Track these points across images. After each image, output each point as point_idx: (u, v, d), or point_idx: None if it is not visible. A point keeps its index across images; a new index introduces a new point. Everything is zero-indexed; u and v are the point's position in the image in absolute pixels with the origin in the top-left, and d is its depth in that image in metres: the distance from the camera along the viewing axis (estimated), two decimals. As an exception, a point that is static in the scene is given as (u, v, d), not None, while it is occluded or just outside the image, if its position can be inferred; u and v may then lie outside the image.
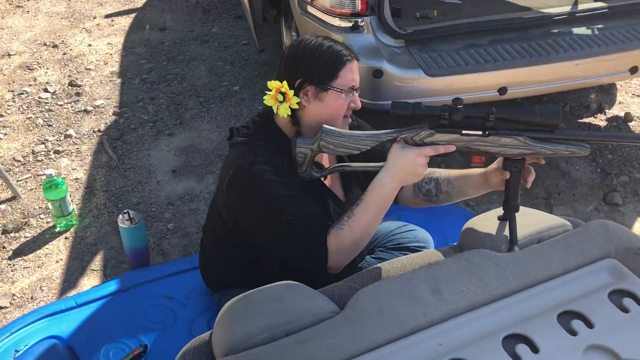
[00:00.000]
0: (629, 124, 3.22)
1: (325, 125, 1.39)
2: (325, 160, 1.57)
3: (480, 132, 1.31)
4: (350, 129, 1.53)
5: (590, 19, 2.54)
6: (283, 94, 1.41)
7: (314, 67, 1.41)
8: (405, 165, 1.31)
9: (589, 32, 2.50)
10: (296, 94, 1.42)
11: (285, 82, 1.42)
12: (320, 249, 1.37)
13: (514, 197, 1.40)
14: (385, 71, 2.27)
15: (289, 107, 1.42)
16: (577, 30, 2.49)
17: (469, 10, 2.62)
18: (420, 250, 1.86)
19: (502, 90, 2.35)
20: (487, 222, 1.54)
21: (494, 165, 1.47)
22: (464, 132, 1.31)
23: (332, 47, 1.42)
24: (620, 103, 3.41)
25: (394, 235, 1.88)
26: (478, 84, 2.34)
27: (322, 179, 1.52)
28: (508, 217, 1.44)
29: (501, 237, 1.47)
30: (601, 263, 1.40)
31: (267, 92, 1.44)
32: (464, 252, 1.39)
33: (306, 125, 1.46)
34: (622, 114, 3.29)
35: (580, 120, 3.27)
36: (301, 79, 1.42)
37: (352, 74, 1.41)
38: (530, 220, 1.53)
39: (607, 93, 3.47)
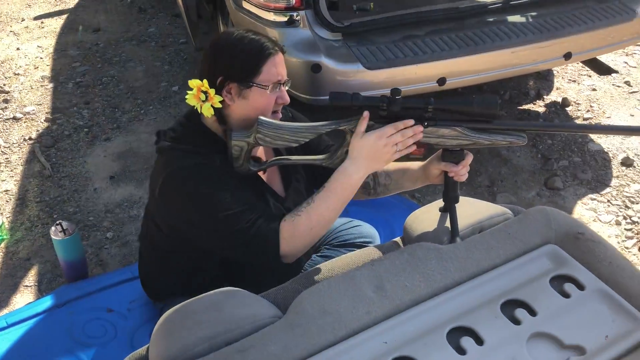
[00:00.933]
0: (566, 108, 3.31)
1: (262, 117, 1.35)
2: (262, 154, 1.53)
3: (418, 124, 1.31)
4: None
5: (524, 7, 2.59)
6: (205, 92, 1.37)
7: (235, 63, 1.36)
8: (369, 152, 1.29)
9: (523, 19, 2.54)
10: (219, 92, 1.37)
11: (205, 81, 1.37)
12: (270, 237, 1.33)
13: (453, 188, 1.41)
14: (323, 65, 2.25)
15: (212, 106, 1.38)
16: (511, 19, 2.53)
17: (406, 1, 2.63)
18: (366, 246, 1.84)
19: (441, 80, 2.37)
20: (428, 214, 1.54)
21: (433, 158, 1.46)
22: None
23: (253, 40, 1.38)
24: (557, 89, 3.50)
25: (339, 232, 1.86)
26: (417, 75, 2.35)
27: (260, 173, 1.48)
28: (448, 209, 1.44)
29: (443, 229, 1.47)
30: (542, 249, 1.42)
31: (188, 92, 1.38)
32: (406, 246, 1.38)
33: (234, 124, 1.42)
34: (559, 99, 3.37)
35: (520, 107, 3.34)
36: (222, 77, 1.37)
37: (276, 68, 1.37)
38: (471, 210, 1.54)
39: (544, 79, 3.55)
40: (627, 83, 3.54)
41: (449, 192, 1.41)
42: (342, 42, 2.35)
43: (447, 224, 1.44)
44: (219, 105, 1.39)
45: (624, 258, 1.70)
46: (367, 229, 1.87)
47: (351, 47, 2.33)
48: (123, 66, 3.78)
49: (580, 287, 1.32)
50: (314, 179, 1.59)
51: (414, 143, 1.36)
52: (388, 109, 1.29)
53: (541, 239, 1.44)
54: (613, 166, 2.80)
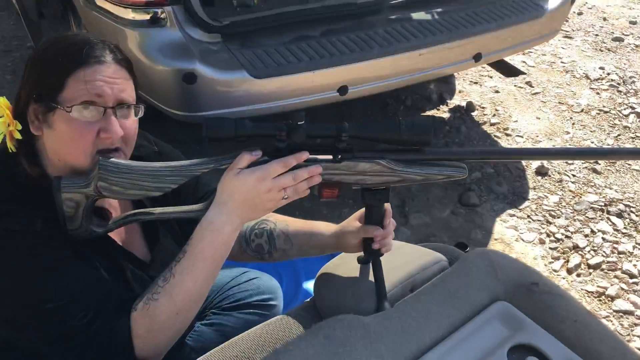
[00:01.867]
0: (472, 113, 3.18)
1: (103, 158, 0.99)
2: (114, 205, 1.14)
3: (330, 157, 1.01)
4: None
5: (429, 3, 2.37)
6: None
7: (38, 74, 1.02)
8: (246, 197, 0.97)
9: (429, 17, 2.32)
10: (21, 117, 1.02)
11: (3, 99, 1.02)
12: (119, 336, 0.97)
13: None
14: (199, 74, 1.87)
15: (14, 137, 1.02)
16: (416, 16, 2.31)
17: (296, -4, 2.30)
18: (266, 305, 1.52)
19: (342, 89, 2.08)
20: (345, 267, 1.26)
21: (350, 223, 1.18)
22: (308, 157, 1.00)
23: (65, 44, 1.01)
24: (460, 92, 3.38)
25: (230, 288, 1.52)
26: (315, 83, 2.04)
27: (112, 234, 1.09)
28: (372, 264, 1.14)
29: (366, 290, 1.19)
30: (491, 309, 1.19)
31: None
32: (321, 324, 1.07)
33: (51, 165, 1.04)
34: (463, 103, 3.25)
35: (424, 114, 3.16)
36: (26, 93, 1.02)
37: (88, 83, 1.00)
38: (399, 260, 1.27)
39: (445, 82, 3.42)
40: (529, 84, 3.49)
41: (369, 247, 1.14)
42: (221, 45, 1.98)
43: (370, 279, 1.17)
44: (19, 136, 1.00)
45: (589, 313, 1.47)
46: (266, 282, 1.55)
47: (233, 50, 1.97)
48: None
49: (543, 358, 1.08)
50: (187, 228, 1.21)
51: (325, 182, 1.03)
52: (288, 139, 0.96)
53: (488, 295, 1.20)
54: (528, 176, 2.69)
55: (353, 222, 1.16)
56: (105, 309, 0.97)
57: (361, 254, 1.19)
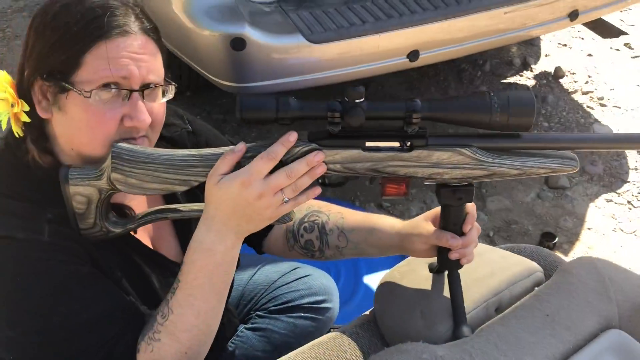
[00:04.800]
0: (560, 80, 2.86)
1: (119, 144, 0.84)
2: (139, 198, 0.98)
3: (397, 144, 0.82)
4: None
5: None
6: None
7: (47, 47, 0.84)
8: (235, 208, 0.80)
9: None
10: (27, 96, 0.86)
11: (4, 74, 0.86)
12: None
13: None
14: (249, 39, 1.68)
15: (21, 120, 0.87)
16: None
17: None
18: (319, 308, 1.36)
19: (414, 55, 1.85)
20: (413, 276, 1.09)
21: (419, 221, 0.98)
22: (368, 144, 0.81)
23: (83, 7, 0.84)
24: (546, 56, 3.06)
25: (278, 287, 1.37)
26: (381, 48, 1.83)
27: (133, 233, 0.94)
28: (448, 278, 0.93)
29: (440, 308, 0.98)
30: (602, 340, 0.97)
31: None
32: (381, 355, 0.88)
33: (63, 153, 0.90)
34: (551, 69, 2.93)
35: (504, 81, 2.86)
36: (30, 69, 0.85)
37: (109, 62, 0.83)
38: (481, 270, 1.06)
39: (530, 44, 3.10)
40: (628, 46, 3.13)
41: (444, 257, 0.95)
42: (275, 6, 1.78)
43: (445, 296, 0.97)
44: (26, 119, 0.86)
45: None
46: (319, 280, 1.39)
47: (288, 12, 1.77)
48: (7, 45, 3.12)
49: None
50: None
51: (390, 176, 0.84)
52: (343, 122, 0.76)
53: (598, 321, 1.01)
54: (628, 155, 2.37)
55: (424, 223, 0.96)
56: (120, 347, 0.82)
57: (434, 259, 0.98)
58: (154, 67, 0.86)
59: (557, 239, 1.96)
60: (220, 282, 0.84)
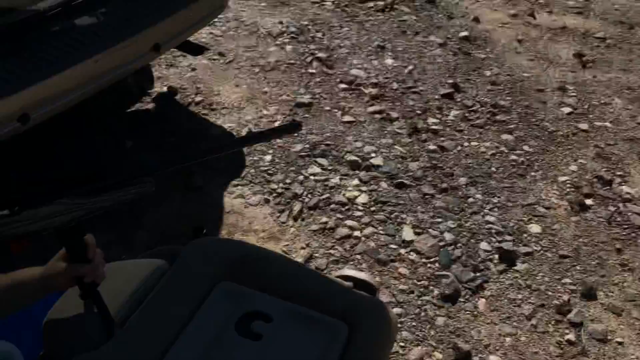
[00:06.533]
0: (175, 97, 3.26)
1: None
2: None
3: (6, 212, 1.01)
4: None
5: (90, 6, 2.34)
6: None
7: None
8: None
9: (94, 20, 2.30)
10: None
11: None
12: None
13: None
14: None
15: None
16: (80, 21, 2.27)
17: None
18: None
19: (24, 118, 1.98)
20: (71, 307, 1.27)
21: (57, 265, 1.16)
22: None
23: None
24: (159, 78, 3.43)
25: None
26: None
27: None
28: (92, 298, 1.19)
29: (94, 323, 1.25)
30: (214, 294, 1.31)
31: None
32: None
33: None
34: (164, 89, 3.30)
35: (130, 110, 3.15)
36: None
37: None
38: (118, 281, 1.32)
39: (142, 72, 3.42)
40: (221, 54, 3.68)
41: (82, 283, 1.18)
42: None
43: (94, 311, 1.22)
44: None
45: (298, 264, 1.70)
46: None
47: None
48: None
49: (267, 319, 1.25)
50: None
51: (9, 237, 1.04)
52: None
53: (208, 281, 1.33)
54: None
55: (59, 263, 1.17)
56: None
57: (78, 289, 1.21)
58: None
59: (205, 230, 2.35)
60: None
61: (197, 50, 2.98)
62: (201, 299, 1.28)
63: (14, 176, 1.00)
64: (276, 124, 3.03)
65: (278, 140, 2.89)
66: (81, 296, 1.22)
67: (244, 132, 2.96)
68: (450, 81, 3.45)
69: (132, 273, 1.34)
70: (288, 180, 2.65)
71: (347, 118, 3.10)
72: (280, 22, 4.03)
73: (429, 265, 2.30)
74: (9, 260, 1.08)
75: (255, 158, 2.80)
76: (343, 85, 3.39)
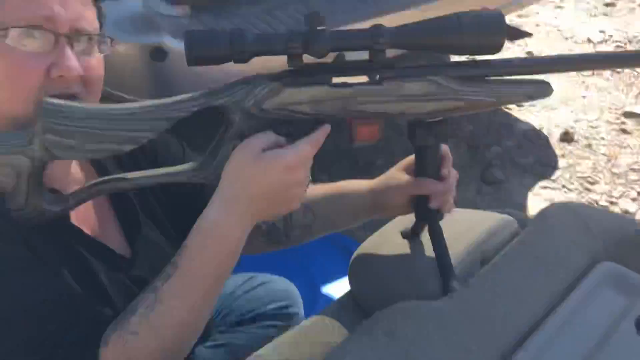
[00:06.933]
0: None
1: (49, 99, 0.70)
2: (68, 179, 0.84)
3: (365, 78, 0.74)
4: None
5: None
6: None
7: None
8: (268, 192, 0.70)
9: None
10: None
11: None
12: None
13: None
14: (170, 49, 1.59)
15: None
16: None
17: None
18: (284, 315, 1.22)
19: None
20: (387, 245, 0.98)
21: (395, 176, 0.90)
22: (335, 80, 0.72)
23: None
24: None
25: (236, 299, 1.24)
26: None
27: (73, 218, 0.81)
28: (430, 232, 0.87)
29: (424, 269, 0.91)
30: (596, 273, 0.93)
31: None
32: (376, 317, 0.82)
33: None
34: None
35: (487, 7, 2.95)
36: None
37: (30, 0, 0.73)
38: (458, 226, 1.01)
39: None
40: (530, 54, 3.28)
41: (424, 207, 0.87)
42: (191, 19, 1.71)
43: (426, 254, 0.91)
44: None
45: None
46: (281, 286, 1.27)
47: (207, 23, 1.70)
48: None
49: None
50: (179, 215, 0.92)
51: (359, 116, 0.77)
52: (310, 50, 0.69)
53: (587, 255, 0.95)
54: (554, 144, 2.45)
55: (398, 173, 0.89)
56: (69, 338, 0.69)
57: (405, 228, 0.91)
58: (85, 16, 0.75)
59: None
60: (225, 273, 0.72)
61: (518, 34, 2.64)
62: (577, 276, 0.89)
63: (384, 32, 0.72)
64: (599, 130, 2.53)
65: (601, 147, 2.39)
66: (409, 234, 0.92)
67: (556, 134, 2.51)
68: None
69: (473, 221, 1.01)
70: (615, 194, 2.13)
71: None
72: (602, 31, 3.54)
73: None
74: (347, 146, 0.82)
75: (571, 162, 2.35)
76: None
